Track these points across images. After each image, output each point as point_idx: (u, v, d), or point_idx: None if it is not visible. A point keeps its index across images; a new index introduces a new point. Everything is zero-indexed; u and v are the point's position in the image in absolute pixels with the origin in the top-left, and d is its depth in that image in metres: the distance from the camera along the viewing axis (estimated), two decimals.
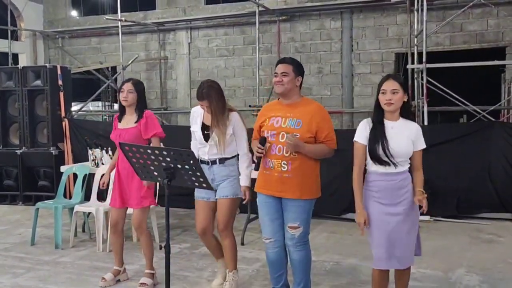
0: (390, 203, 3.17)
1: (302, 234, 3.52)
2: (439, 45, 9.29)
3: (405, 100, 3.18)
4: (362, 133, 3.21)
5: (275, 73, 3.54)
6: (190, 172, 2.96)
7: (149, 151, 2.98)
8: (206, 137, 3.86)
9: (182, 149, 2.92)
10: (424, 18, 7.57)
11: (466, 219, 6.20)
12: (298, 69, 3.55)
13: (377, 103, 3.20)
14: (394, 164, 3.13)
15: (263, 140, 3.47)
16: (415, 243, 3.27)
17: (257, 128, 3.63)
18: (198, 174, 2.95)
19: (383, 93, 3.15)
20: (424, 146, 3.22)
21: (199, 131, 3.89)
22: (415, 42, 8.33)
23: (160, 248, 3.08)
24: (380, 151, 3.13)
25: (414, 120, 3.29)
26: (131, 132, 4.12)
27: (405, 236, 3.17)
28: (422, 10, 7.83)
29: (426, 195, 3.14)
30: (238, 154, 3.94)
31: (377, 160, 3.15)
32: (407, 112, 3.24)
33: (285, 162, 3.45)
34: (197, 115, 3.97)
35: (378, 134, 3.15)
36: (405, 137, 3.15)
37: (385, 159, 3.12)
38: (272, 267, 3.70)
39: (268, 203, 3.58)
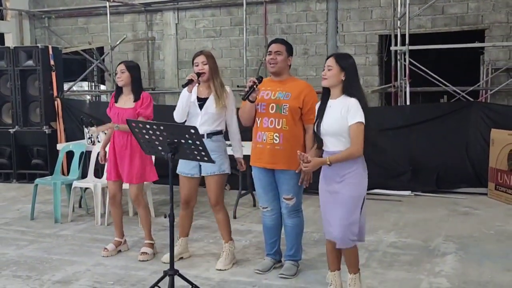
0: (330, 180, 3.28)
1: (296, 203, 3.83)
2: (421, 27, 9.54)
3: (343, 78, 3.22)
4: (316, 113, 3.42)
5: (269, 51, 3.81)
6: (193, 147, 3.20)
7: (154, 127, 3.21)
8: (200, 107, 4.08)
9: (186, 125, 3.15)
10: (407, 1, 7.80)
11: (444, 194, 6.55)
12: (290, 50, 3.86)
13: None
14: (324, 142, 3.27)
15: (259, 77, 3.74)
16: (346, 231, 3.22)
17: None
18: (201, 148, 3.19)
19: (323, 69, 3.29)
20: (355, 120, 3.14)
21: (195, 101, 4.09)
22: (398, 24, 8.57)
23: (165, 217, 3.33)
24: (315, 127, 3.32)
25: (355, 96, 3.23)
26: (129, 112, 4.34)
27: (334, 215, 3.25)
28: None
29: (308, 167, 3.15)
30: (223, 131, 4.15)
31: (316, 137, 3.34)
32: (348, 89, 3.23)
33: (277, 135, 3.72)
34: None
35: (319, 111, 3.33)
36: (338, 114, 3.20)
37: (319, 136, 3.30)
38: (268, 233, 4.01)
39: (261, 176, 3.88)
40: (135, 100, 4.38)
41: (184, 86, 3.99)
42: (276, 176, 3.83)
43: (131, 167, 4.36)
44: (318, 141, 3.37)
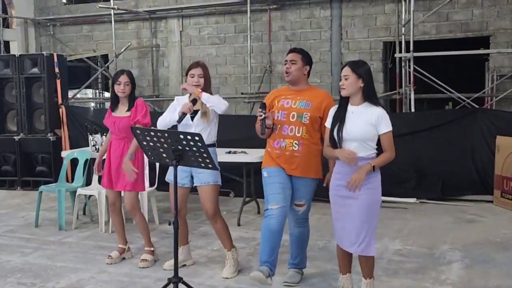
0: (346, 185, 3.25)
1: (306, 211, 3.81)
2: (426, 34, 9.54)
3: (361, 85, 3.26)
4: (329, 117, 3.42)
5: (285, 61, 3.82)
6: (197, 154, 3.20)
7: (159, 134, 3.21)
8: (192, 119, 4.02)
9: (190, 132, 3.16)
10: (412, 8, 7.82)
11: (450, 201, 6.52)
12: (307, 59, 3.84)
13: None
14: (343, 148, 3.24)
15: (263, 105, 3.71)
16: (367, 238, 3.27)
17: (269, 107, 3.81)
18: (205, 155, 3.19)
19: (341, 79, 3.33)
20: (388, 129, 3.24)
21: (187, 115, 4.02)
22: (403, 31, 8.58)
23: (169, 224, 3.32)
24: (335, 132, 3.29)
25: (379, 105, 3.32)
26: (125, 120, 4.33)
27: (353, 221, 3.25)
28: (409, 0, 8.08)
29: (359, 178, 3.14)
30: (215, 142, 4.10)
31: (332, 141, 3.31)
32: (370, 96, 3.29)
33: (297, 142, 3.70)
34: (181, 102, 4.08)
35: (338, 117, 3.32)
36: (363, 121, 3.24)
37: (336, 140, 3.27)
38: (271, 238, 3.66)
39: (281, 173, 3.72)
40: (129, 108, 4.36)
41: (179, 121, 3.88)
42: (292, 182, 3.77)
43: (124, 175, 4.31)
44: (333, 145, 3.35)
